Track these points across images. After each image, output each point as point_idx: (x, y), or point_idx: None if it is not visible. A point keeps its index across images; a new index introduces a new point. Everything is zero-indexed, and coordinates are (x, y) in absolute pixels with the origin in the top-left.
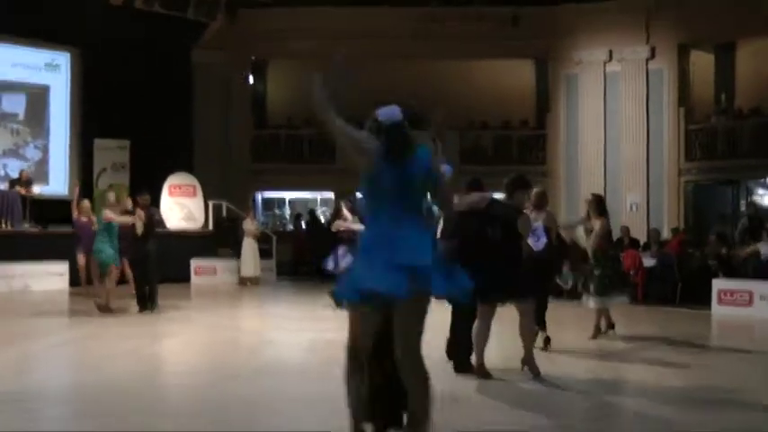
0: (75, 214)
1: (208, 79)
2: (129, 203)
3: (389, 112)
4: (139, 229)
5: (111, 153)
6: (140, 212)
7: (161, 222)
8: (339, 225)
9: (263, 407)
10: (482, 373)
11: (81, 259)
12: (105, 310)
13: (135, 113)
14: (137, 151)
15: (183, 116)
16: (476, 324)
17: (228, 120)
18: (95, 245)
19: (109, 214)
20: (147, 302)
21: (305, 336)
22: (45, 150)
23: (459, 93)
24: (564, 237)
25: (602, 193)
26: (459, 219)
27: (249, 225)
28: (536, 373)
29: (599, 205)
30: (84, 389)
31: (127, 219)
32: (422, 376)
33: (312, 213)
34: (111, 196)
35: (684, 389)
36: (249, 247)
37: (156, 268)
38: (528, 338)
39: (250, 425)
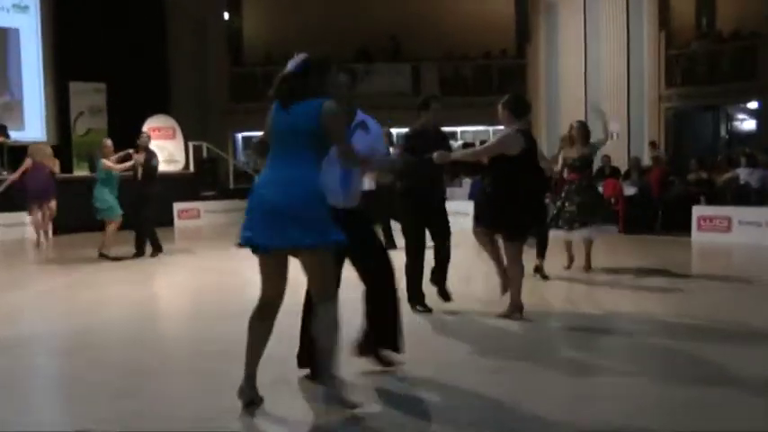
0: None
1: (182, 17)
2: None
3: (291, 63)
4: (140, 173)
5: (88, 96)
6: (138, 157)
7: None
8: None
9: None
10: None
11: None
12: (104, 257)
13: (109, 55)
14: (113, 94)
15: (158, 56)
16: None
17: (205, 59)
18: (97, 195)
19: (108, 163)
20: (144, 247)
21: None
22: (18, 95)
23: (439, 23)
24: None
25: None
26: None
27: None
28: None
29: (587, 133)
30: (73, 333)
31: (126, 165)
32: (322, 329)
33: None
34: (108, 142)
35: (663, 315)
36: None
37: (155, 212)
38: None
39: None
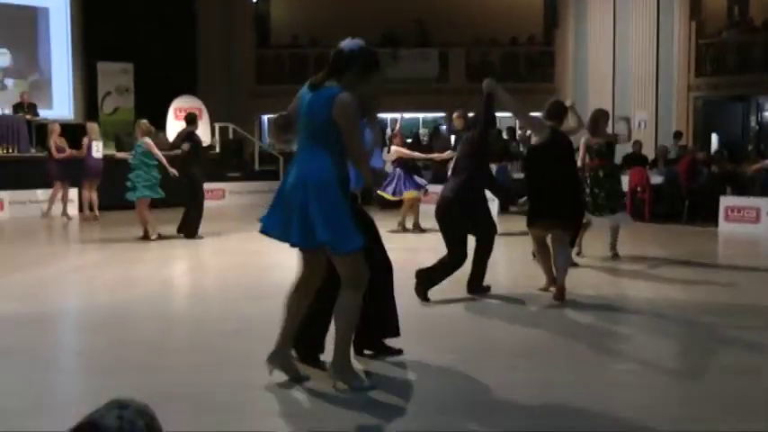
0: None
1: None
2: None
3: (345, 43)
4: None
5: (115, 76)
6: (185, 146)
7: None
8: (398, 152)
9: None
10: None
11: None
12: (146, 237)
13: (138, 36)
14: (140, 74)
15: (185, 38)
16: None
17: (232, 40)
18: (135, 177)
19: (151, 143)
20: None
21: None
22: (48, 74)
23: (466, 8)
24: None
25: (610, 110)
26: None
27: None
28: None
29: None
30: (96, 311)
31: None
32: (339, 313)
33: None
34: (147, 122)
35: (687, 303)
36: None
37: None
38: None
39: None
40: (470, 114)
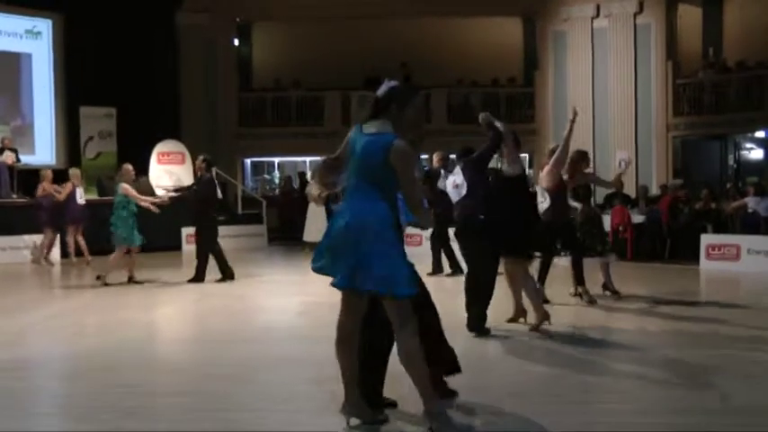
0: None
1: (192, 43)
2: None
3: (381, 87)
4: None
5: (98, 121)
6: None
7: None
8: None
9: (250, 368)
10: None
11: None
12: (102, 279)
13: (120, 80)
14: (123, 118)
15: (168, 81)
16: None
17: (215, 84)
18: (114, 220)
19: (129, 190)
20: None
21: (293, 300)
22: (30, 119)
23: (448, 50)
24: None
25: (590, 150)
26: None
27: (312, 189)
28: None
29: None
30: (79, 356)
31: (147, 201)
32: (404, 361)
33: (302, 177)
34: (129, 167)
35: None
36: (313, 211)
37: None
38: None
39: (241, 382)
40: (451, 156)
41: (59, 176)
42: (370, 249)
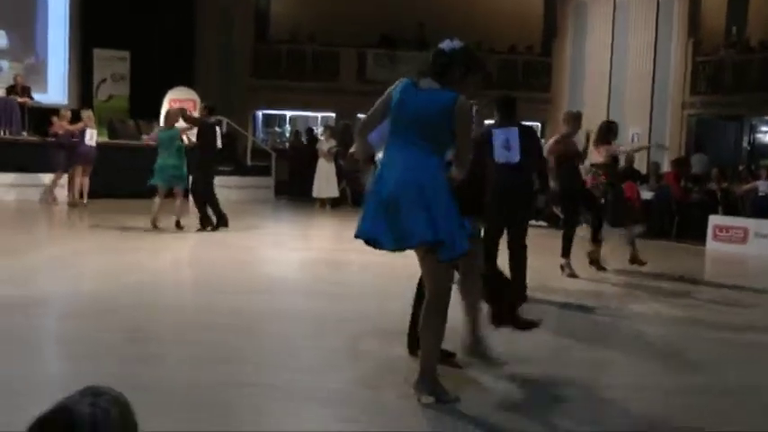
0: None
1: None
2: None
3: (447, 43)
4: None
5: (111, 63)
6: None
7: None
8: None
9: (251, 320)
10: None
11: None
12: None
13: (136, 24)
14: (137, 62)
15: (184, 28)
16: None
17: (230, 33)
18: (179, 163)
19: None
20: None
21: (297, 255)
22: (44, 58)
23: (467, 14)
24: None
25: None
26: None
27: (323, 145)
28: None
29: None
30: (82, 298)
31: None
32: (425, 326)
33: (310, 132)
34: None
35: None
36: (323, 167)
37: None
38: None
39: (242, 333)
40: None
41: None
42: (434, 207)
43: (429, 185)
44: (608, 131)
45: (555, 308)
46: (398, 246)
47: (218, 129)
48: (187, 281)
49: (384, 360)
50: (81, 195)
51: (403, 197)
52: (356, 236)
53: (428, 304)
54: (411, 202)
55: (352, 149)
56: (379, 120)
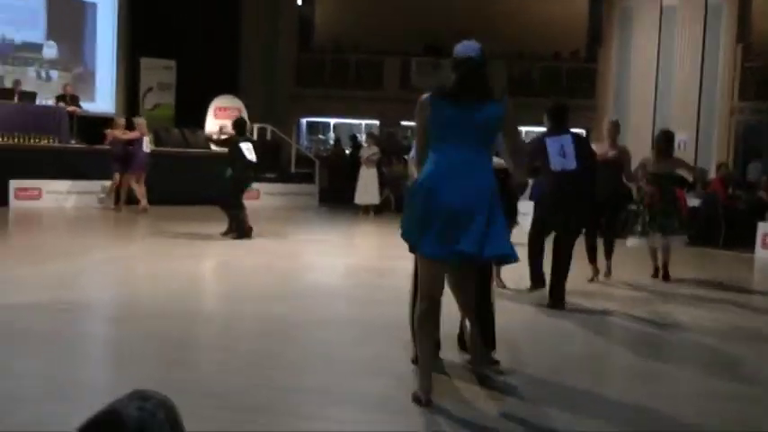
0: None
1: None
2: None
3: (465, 47)
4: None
5: (158, 72)
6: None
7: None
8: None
9: (290, 325)
10: None
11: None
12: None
13: (182, 33)
14: (183, 71)
15: (229, 37)
16: None
17: (275, 42)
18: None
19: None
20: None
21: (341, 261)
22: (92, 67)
23: (510, 21)
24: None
25: (650, 129)
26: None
27: (365, 152)
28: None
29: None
30: (128, 303)
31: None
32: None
33: (354, 139)
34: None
35: (718, 327)
36: (365, 174)
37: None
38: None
39: (280, 339)
40: None
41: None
42: (498, 216)
43: (495, 191)
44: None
45: (594, 315)
46: (479, 252)
47: (243, 145)
48: (227, 287)
49: None
50: (139, 201)
51: (478, 205)
52: (429, 255)
53: (474, 311)
54: (487, 210)
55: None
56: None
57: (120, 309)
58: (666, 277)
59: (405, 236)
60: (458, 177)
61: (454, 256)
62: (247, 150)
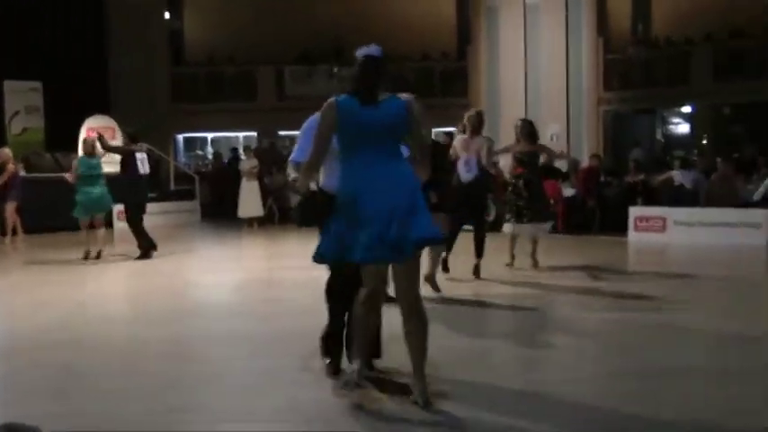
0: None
1: (121, 15)
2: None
3: (366, 48)
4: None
5: (24, 95)
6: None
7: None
8: None
9: (187, 345)
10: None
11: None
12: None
13: (47, 53)
14: (50, 93)
15: (96, 55)
16: None
17: (145, 58)
18: (87, 192)
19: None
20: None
21: (229, 276)
22: None
23: (379, 24)
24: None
25: None
26: None
27: (245, 165)
28: (437, 290)
29: (531, 130)
30: (12, 335)
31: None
32: (423, 319)
33: (234, 152)
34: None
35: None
36: (246, 187)
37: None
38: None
39: (179, 360)
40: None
41: None
42: (421, 209)
43: (417, 187)
44: (532, 130)
45: (478, 308)
46: (420, 247)
47: (139, 155)
48: (118, 311)
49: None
50: (15, 232)
51: (403, 203)
52: (360, 260)
53: (416, 308)
54: (413, 206)
55: (292, 177)
56: (326, 152)
57: (3, 341)
58: (536, 265)
59: (320, 258)
60: (380, 179)
61: (394, 254)
62: (140, 161)
